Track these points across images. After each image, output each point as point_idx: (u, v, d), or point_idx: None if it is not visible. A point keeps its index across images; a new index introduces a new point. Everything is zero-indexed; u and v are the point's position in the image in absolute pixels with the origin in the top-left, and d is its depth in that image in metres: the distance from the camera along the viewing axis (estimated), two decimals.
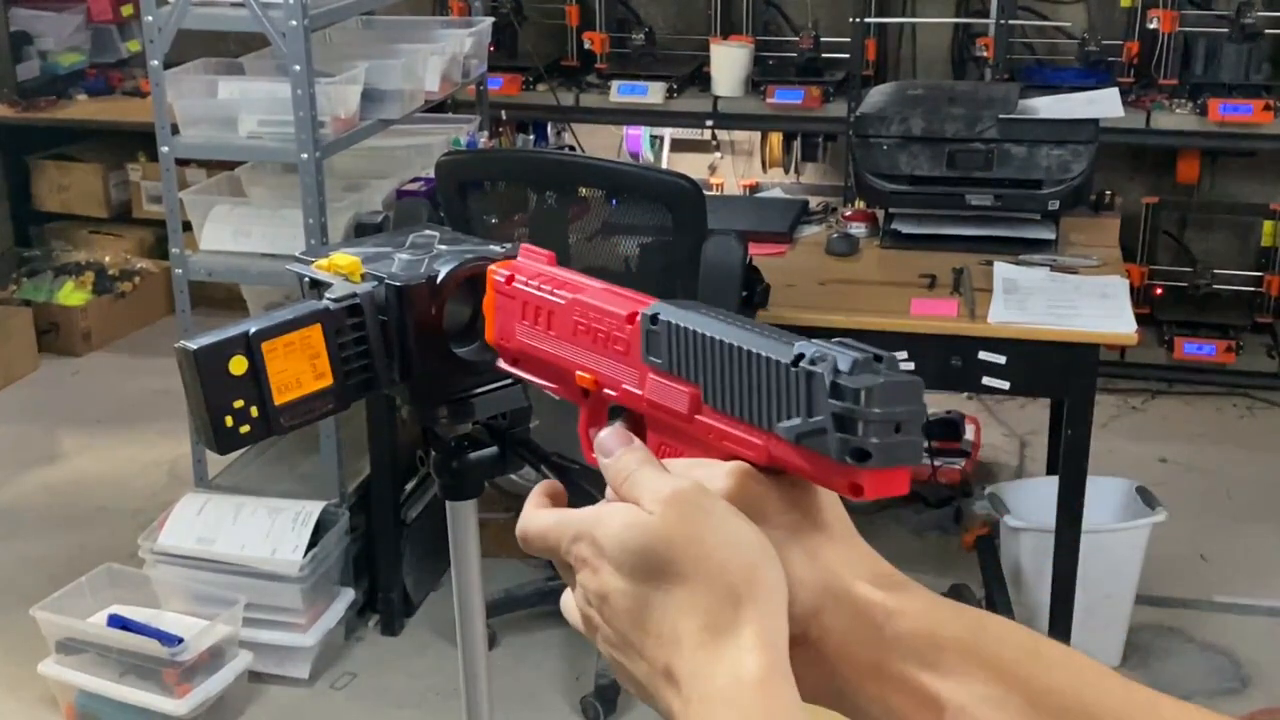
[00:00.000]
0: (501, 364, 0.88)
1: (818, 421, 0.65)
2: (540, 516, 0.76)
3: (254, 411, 1.03)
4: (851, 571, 0.72)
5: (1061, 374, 2.78)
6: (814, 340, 0.67)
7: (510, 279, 0.86)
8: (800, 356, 0.66)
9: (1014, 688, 0.72)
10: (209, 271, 3.21)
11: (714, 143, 5.04)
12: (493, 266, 0.87)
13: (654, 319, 0.74)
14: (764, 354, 0.68)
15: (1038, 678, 0.73)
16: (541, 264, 0.85)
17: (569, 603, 0.76)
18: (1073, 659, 0.75)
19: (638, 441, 0.74)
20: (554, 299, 0.82)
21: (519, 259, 0.87)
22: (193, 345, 0.96)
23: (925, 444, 0.73)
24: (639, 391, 0.76)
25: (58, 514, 3.86)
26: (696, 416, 0.73)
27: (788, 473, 0.70)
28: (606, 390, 0.78)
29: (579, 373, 0.80)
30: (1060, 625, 2.89)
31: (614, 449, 0.74)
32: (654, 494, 0.69)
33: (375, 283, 1.11)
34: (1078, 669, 0.74)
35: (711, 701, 0.66)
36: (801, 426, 0.66)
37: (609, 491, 0.75)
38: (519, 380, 0.87)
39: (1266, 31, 4.35)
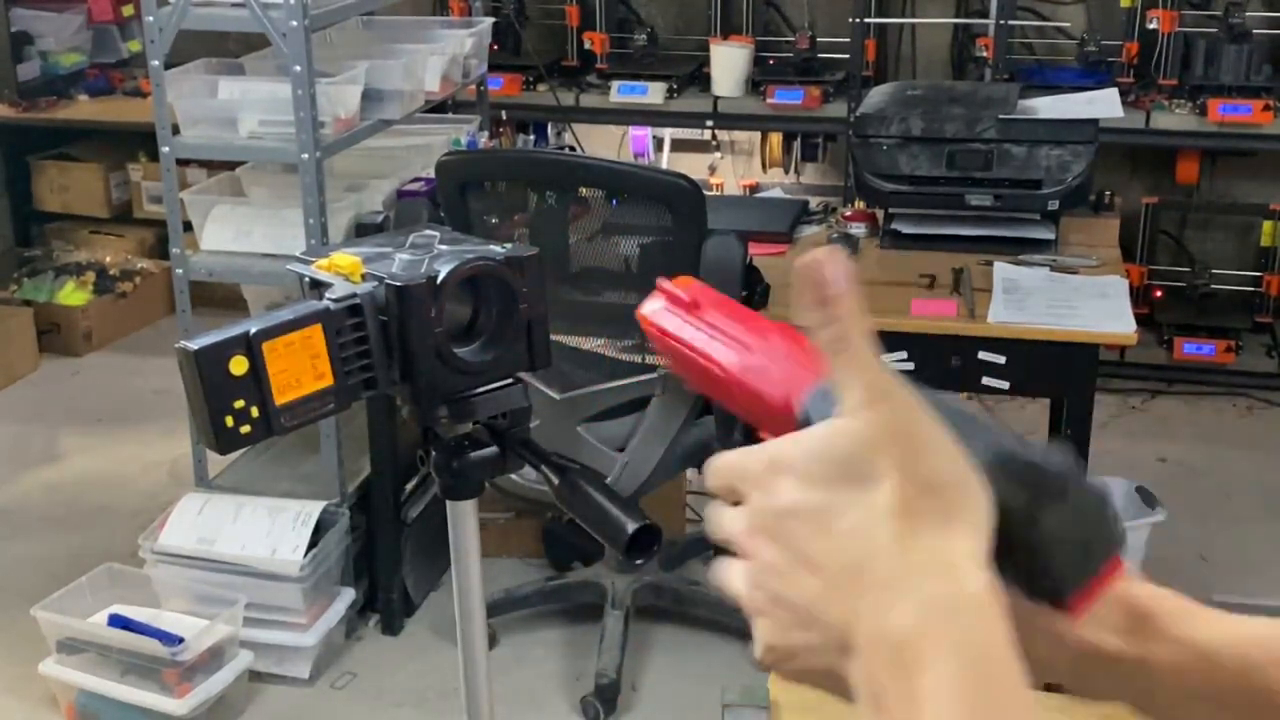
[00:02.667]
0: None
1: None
2: (738, 449, 0.66)
3: (254, 411, 1.03)
4: None
5: (1061, 374, 2.79)
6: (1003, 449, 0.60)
7: (694, 304, 0.77)
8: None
9: None
10: (209, 271, 3.22)
11: (714, 143, 5.04)
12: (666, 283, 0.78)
13: (808, 421, 0.66)
14: None
15: None
16: (718, 295, 0.76)
17: (727, 568, 0.65)
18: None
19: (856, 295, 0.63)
20: (709, 368, 0.73)
21: (696, 287, 0.76)
22: (193, 345, 0.97)
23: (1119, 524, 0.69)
24: None
25: (58, 514, 3.86)
26: None
27: None
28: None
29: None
30: None
31: (838, 280, 0.63)
32: (868, 387, 0.60)
33: (375, 283, 1.11)
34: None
35: (925, 607, 0.56)
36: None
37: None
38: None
39: (1266, 32, 4.36)
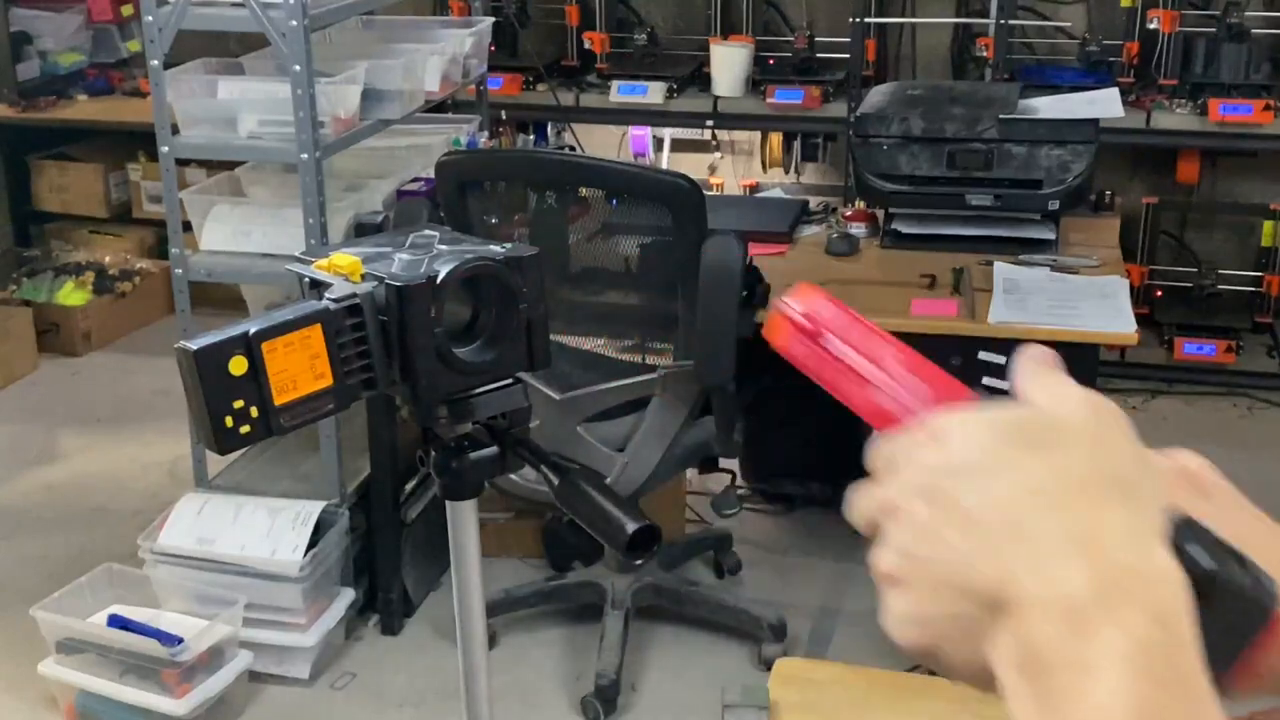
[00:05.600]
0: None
1: None
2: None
3: (254, 412, 1.03)
4: None
5: None
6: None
7: (816, 332, 0.74)
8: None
9: None
10: (209, 272, 3.21)
11: (714, 143, 5.04)
12: (785, 302, 0.75)
13: None
14: None
15: None
16: (842, 316, 0.74)
17: (862, 500, 0.61)
18: None
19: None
20: (867, 375, 0.71)
21: (817, 305, 0.74)
22: (193, 346, 0.97)
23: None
24: None
25: (58, 514, 3.86)
26: None
27: None
28: None
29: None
30: None
31: (1042, 352, 0.63)
32: (1070, 393, 0.60)
33: (375, 283, 1.11)
34: None
35: (1106, 571, 0.53)
36: None
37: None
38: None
39: (1265, 32, 4.35)
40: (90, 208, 5.30)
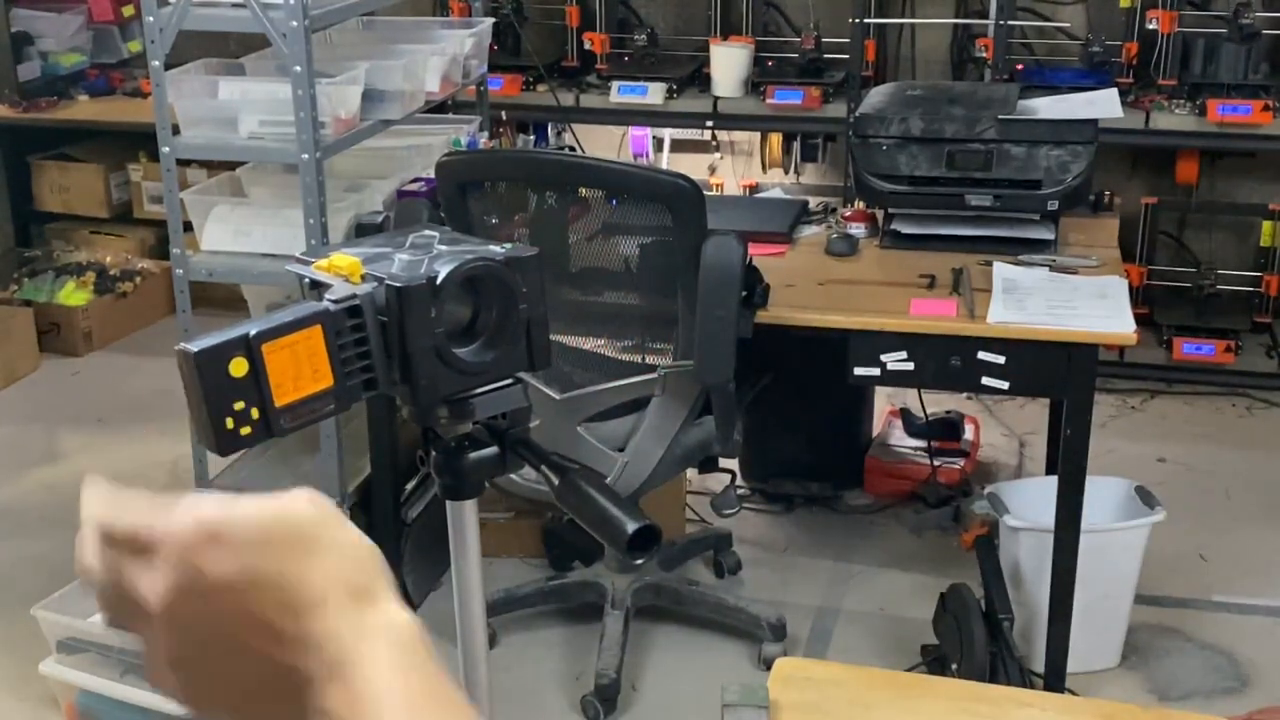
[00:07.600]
0: None
1: None
2: (132, 501, 0.73)
3: (254, 413, 1.03)
4: None
5: (1060, 374, 2.79)
6: None
7: None
8: None
9: None
10: (210, 272, 3.22)
11: (714, 143, 5.04)
12: None
13: None
14: None
15: None
16: None
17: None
18: None
19: None
20: None
21: None
22: (193, 347, 0.97)
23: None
24: None
25: (58, 514, 3.86)
26: None
27: None
28: None
29: None
30: (1059, 625, 2.89)
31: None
32: (288, 494, 0.72)
33: (375, 283, 1.11)
34: None
35: (374, 641, 0.66)
36: None
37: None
38: None
39: (1265, 32, 4.36)
40: (91, 208, 5.31)
